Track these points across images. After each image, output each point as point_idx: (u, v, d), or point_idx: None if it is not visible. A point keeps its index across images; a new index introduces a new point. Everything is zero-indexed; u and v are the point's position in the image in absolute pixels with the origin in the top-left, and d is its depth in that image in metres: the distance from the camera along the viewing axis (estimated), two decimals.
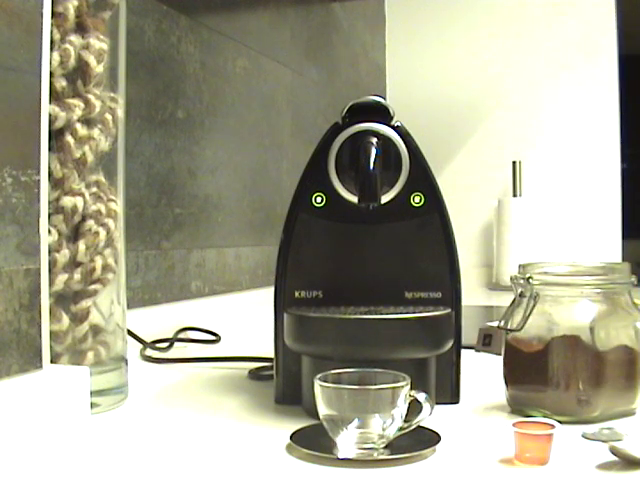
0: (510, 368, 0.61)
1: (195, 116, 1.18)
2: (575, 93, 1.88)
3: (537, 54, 1.90)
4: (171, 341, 0.95)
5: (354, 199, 0.62)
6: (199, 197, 1.19)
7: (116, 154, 0.64)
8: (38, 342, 0.53)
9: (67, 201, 0.58)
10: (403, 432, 0.51)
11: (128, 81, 0.66)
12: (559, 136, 1.90)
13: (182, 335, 1.01)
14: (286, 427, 0.54)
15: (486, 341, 0.88)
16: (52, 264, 0.57)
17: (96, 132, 0.60)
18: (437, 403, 0.59)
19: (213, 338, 1.01)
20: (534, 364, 0.59)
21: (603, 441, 0.51)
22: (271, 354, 0.65)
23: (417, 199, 0.63)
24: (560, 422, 0.50)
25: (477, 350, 0.88)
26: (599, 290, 0.59)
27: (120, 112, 0.64)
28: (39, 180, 0.53)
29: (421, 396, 0.51)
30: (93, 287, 0.61)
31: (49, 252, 0.55)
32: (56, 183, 0.58)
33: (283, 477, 0.47)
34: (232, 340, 1.02)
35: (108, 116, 0.62)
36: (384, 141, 0.62)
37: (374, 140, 0.61)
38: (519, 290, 0.61)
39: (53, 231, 0.58)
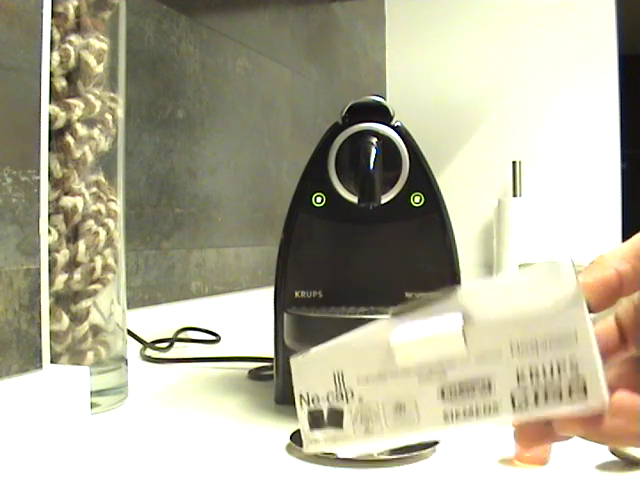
0: None
1: (195, 116, 1.18)
2: (575, 93, 1.88)
3: (537, 54, 1.90)
4: (171, 341, 0.95)
5: (354, 199, 0.62)
6: (199, 197, 1.19)
7: (116, 154, 0.64)
8: (38, 342, 0.53)
9: (67, 201, 0.58)
10: None
11: (128, 81, 0.66)
12: (559, 136, 1.90)
13: (182, 335, 1.01)
14: (286, 427, 0.54)
15: None
16: (52, 264, 0.57)
17: (96, 132, 0.60)
18: None
19: (213, 338, 1.01)
20: None
21: None
22: (271, 354, 0.65)
23: (417, 199, 0.63)
24: None
25: None
26: None
27: (120, 112, 0.64)
28: (39, 180, 0.53)
29: None
30: (93, 287, 0.61)
31: (49, 252, 0.55)
32: (56, 183, 0.58)
33: (283, 477, 0.47)
34: (232, 340, 1.02)
35: (108, 116, 0.62)
36: (384, 141, 0.62)
37: (374, 140, 0.61)
38: None
39: (53, 231, 0.58)
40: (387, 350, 0.29)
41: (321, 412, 0.31)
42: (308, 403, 0.31)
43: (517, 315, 0.27)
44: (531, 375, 0.27)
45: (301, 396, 0.31)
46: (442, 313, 0.28)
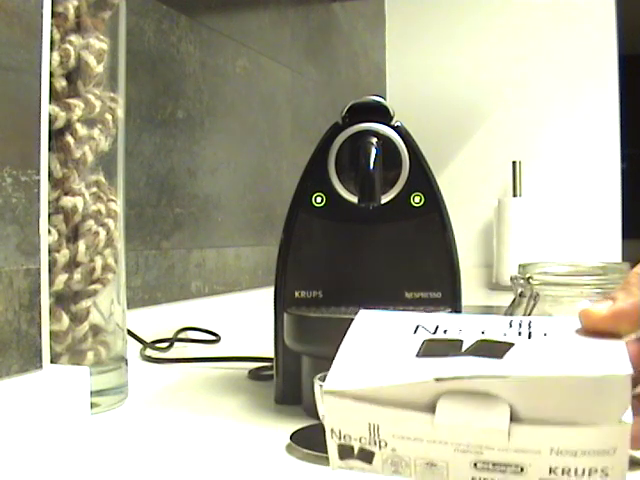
0: None
1: (195, 116, 1.18)
2: (575, 93, 1.88)
3: (537, 54, 1.90)
4: (171, 341, 0.95)
5: (354, 199, 0.62)
6: (199, 197, 1.19)
7: (116, 154, 0.64)
8: (38, 342, 0.53)
9: (67, 201, 0.58)
10: None
11: (128, 81, 0.66)
12: (559, 136, 1.90)
13: (182, 335, 1.01)
14: (286, 427, 0.54)
15: None
16: (52, 264, 0.57)
17: (96, 132, 0.60)
18: None
19: (213, 338, 1.01)
20: None
21: None
22: (271, 354, 0.65)
23: (417, 199, 0.63)
24: None
25: None
26: (599, 290, 0.59)
27: (120, 112, 0.64)
28: (39, 180, 0.53)
29: None
30: (93, 287, 0.61)
31: (49, 252, 0.55)
32: (56, 183, 0.58)
33: (283, 477, 0.47)
34: (232, 340, 1.02)
35: (108, 116, 0.62)
36: (384, 141, 0.62)
37: (374, 140, 0.61)
38: (519, 290, 0.61)
39: (53, 231, 0.58)
40: (428, 421, 0.30)
41: (352, 447, 0.31)
42: (339, 438, 0.31)
43: (563, 423, 0.28)
44: (563, 472, 0.29)
45: (332, 430, 0.31)
46: (491, 404, 0.29)
